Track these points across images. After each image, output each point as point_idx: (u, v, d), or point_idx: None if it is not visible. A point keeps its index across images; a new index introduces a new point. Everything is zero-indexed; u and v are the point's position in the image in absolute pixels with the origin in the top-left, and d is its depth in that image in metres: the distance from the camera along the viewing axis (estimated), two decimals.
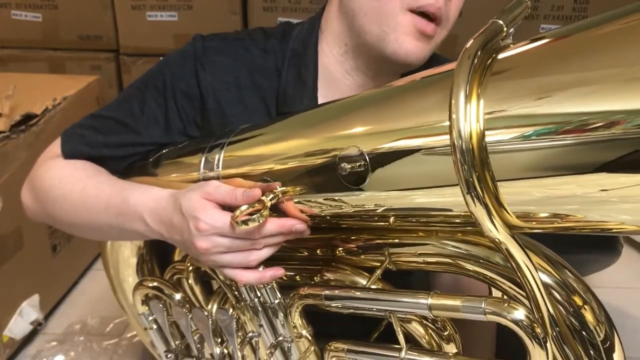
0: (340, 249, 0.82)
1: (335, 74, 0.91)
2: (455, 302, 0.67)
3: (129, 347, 1.53)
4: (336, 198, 0.71)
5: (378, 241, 0.78)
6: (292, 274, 0.85)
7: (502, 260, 0.68)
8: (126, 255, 1.03)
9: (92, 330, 1.58)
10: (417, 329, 0.76)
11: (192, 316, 0.88)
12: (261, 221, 0.70)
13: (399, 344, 0.74)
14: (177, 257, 0.98)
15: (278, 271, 0.77)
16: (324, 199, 0.72)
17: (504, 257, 0.58)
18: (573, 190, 0.53)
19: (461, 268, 0.72)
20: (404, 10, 0.82)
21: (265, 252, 0.75)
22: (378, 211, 0.69)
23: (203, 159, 0.84)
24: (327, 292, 0.78)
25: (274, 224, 0.74)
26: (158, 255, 1.04)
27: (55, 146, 0.94)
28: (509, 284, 0.68)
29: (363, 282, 0.80)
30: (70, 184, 0.89)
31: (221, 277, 0.85)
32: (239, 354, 0.85)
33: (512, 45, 0.58)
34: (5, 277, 1.44)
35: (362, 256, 0.80)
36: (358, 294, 0.76)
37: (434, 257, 0.74)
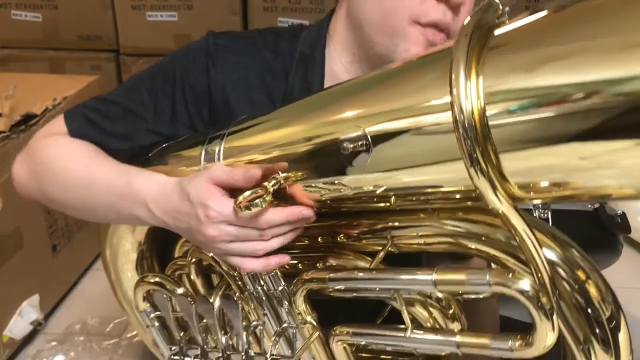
0: (341, 235, 0.81)
1: (342, 79, 0.91)
2: (460, 276, 0.67)
3: (129, 347, 1.53)
4: (339, 180, 0.71)
5: (379, 225, 0.77)
6: (295, 262, 0.85)
7: (504, 237, 0.68)
8: (127, 249, 1.02)
9: (92, 330, 1.58)
10: (420, 312, 0.76)
11: (197, 306, 0.88)
12: (264, 206, 0.70)
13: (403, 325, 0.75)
14: (177, 254, 0.98)
15: (283, 258, 0.76)
16: (327, 182, 0.72)
17: (507, 229, 0.58)
18: (573, 158, 0.54)
19: (463, 247, 0.72)
20: (412, 23, 0.81)
21: (274, 243, 0.75)
22: (380, 191, 0.69)
23: (203, 151, 0.83)
24: (331, 274, 0.77)
25: (280, 213, 0.73)
26: (158, 252, 1.03)
27: (57, 124, 0.93)
28: (512, 260, 0.68)
29: (366, 266, 0.79)
30: (73, 159, 0.88)
31: (224, 266, 0.85)
32: (245, 338, 0.85)
33: (507, 22, 0.59)
34: (5, 277, 1.44)
35: (364, 241, 0.80)
36: (362, 274, 0.76)
37: (436, 237, 0.74)
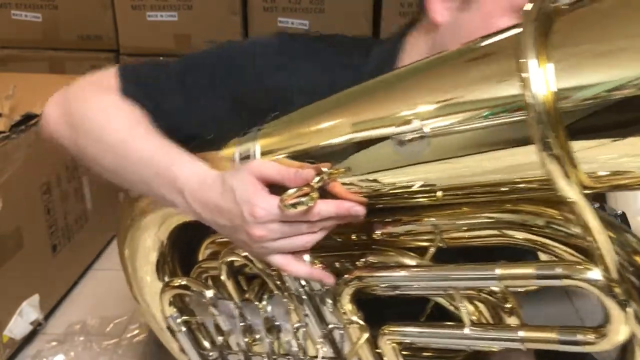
0: (381, 231, 0.78)
1: None
2: (528, 270, 0.64)
3: (129, 347, 1.53)
4: (388, 174, 0.68)
5: (423, 219, 0.74)
6: (331, 260, 0.81)
7: (560, 225, 0.66)
8: (148, 245, 0.97)
9: (92, 330, 1.58)
10: (471, 307, 0.74)
11: (240, 309, 0.86)
12: (310, 204, 0.68)
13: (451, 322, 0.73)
14: (202, 256, 0.95)
15: (328, 278, 0.74)
16: (375, 178, 0.69)
17: (575, 217, 0.58)
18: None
19: (510, 237, 0.70)
20: None
21: (319, 236, 0.72)
22: (433, 185, 0.67)
23: (239, 143, 0.79)
24: (383, 273, 0.74)
25: (330, 206, 0.70)
26: (180, 256, 0.99)
27: (107, 77, 0.88)
28: (564, 248, 0.66)
29: (410, 263, 0.76)
30: (118, 120, 0.83)
31: (260, 265, 0.82)
32: (296, 341, 0.84)
33: (564, 7, 0.58)
34: (5, 277, 1.44)
35: (406, 237, 0.77)
36: (417, 271, 0.73)
37: (483, 231, 0.72)
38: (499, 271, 0.66)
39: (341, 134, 0.70)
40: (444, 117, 0.63)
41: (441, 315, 0.75)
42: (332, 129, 0.72)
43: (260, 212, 0.69)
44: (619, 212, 1.49)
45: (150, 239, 0.97)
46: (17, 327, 1.47)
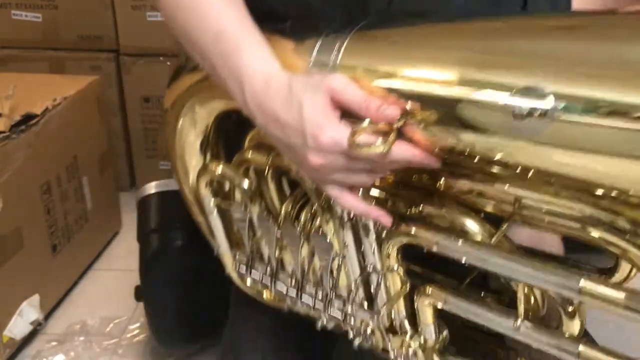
0: (450, 184, 0.67)
1: (589, 5, 0.77)
2: (617, 294, 0.55)
3: (129, 347, 1.53)
4: (486, 141, 0.56)
5: (504, 188, 0.62)
6: (383, 197, 0.71)
7: None
8: (191, 140, 0.90)
9: (92, 330, 1.57)
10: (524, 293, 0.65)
11: (281, 231, 0.80)
12: (386, 150, 0.58)
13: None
14: (247, 144, 0.86)
15: (385, 218, 0.66)
16: (467, 139, 0.57)
17: None
18: None
19: (586, 233, 0.59)
20: None
21: (381, 176, 0.65)
22: (533, 167, 0.55)
23: (320, 40, 0.67)
24: (442, 239, 0.64)
25: (405, 153, 0.60)
26: (225, 139, 0.92)
27: None
28: None
29: (474, 228, 0.66)
30: None
31: (309, 184, 0.74)
32: (328, 274, 0.76)
33: None
34: (5, 277, 1.44)
35: (477, 198, 0.65)
36: (479, 250, 0.63)
37: (563, 219, 0.60)
38: (583, 284, 0.56)
39: (450, 82, 0.57)
40: (584, 96, 0.49)
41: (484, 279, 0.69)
42: (441, 68, 0.58)
43: (325, 140, 0.60)
44: None
45: (192, 134, 0.90)
46: (17, 327, 1.47)
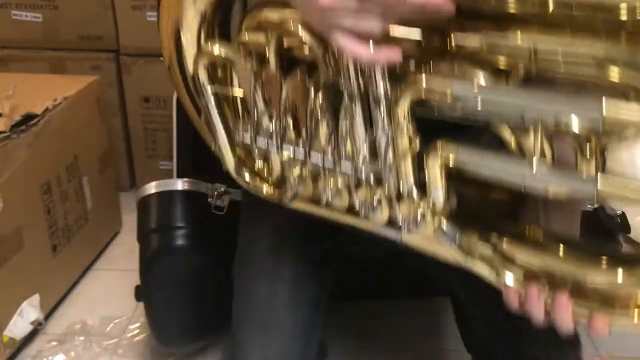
0: (461, 38, 0.65)
1: None
2: None
3: (129, 347, 1.53)
4: None
5: (515, 37, 0.60)
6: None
7: None
8: (189, 19, 0.87)
9: (92, 330, 1.58)
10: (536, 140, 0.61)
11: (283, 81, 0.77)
12: None
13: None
14: (244, 26, 0.83)
15: (394, 52, 0.63)
16: None
17: None
18: None
19: (604, 75, 0.56)
20: None
21: (389, 24, 0.62)
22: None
23: None
24: (456, 85, 0.62)
25: None
26: (220, 20, 0.89)
27: None
28: None
29: (486, 79, 0.63)
30: None
31: (311, 39, 0.72)
32: (334, 137, 0.73)
33: None
34: (6, 277, 1.44)
35: (491, 52, 0.63)
36: (496, 92, 0.60)
37: (582, 58, 0.57)
38: (605, 113, 0.53)
39: None
40: None
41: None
42: None
43: None
44: (618, 212, 1.50)
45: (191, 11, 0.87)
46: (17, 327, 1.47)
